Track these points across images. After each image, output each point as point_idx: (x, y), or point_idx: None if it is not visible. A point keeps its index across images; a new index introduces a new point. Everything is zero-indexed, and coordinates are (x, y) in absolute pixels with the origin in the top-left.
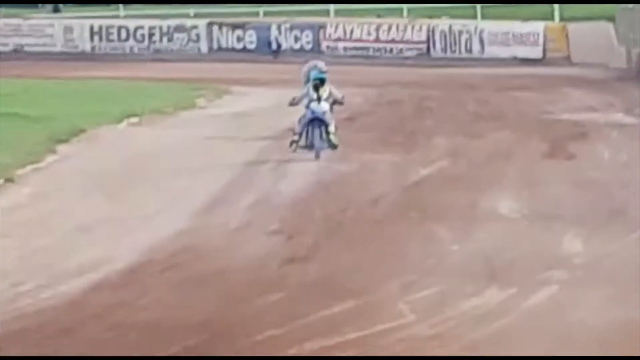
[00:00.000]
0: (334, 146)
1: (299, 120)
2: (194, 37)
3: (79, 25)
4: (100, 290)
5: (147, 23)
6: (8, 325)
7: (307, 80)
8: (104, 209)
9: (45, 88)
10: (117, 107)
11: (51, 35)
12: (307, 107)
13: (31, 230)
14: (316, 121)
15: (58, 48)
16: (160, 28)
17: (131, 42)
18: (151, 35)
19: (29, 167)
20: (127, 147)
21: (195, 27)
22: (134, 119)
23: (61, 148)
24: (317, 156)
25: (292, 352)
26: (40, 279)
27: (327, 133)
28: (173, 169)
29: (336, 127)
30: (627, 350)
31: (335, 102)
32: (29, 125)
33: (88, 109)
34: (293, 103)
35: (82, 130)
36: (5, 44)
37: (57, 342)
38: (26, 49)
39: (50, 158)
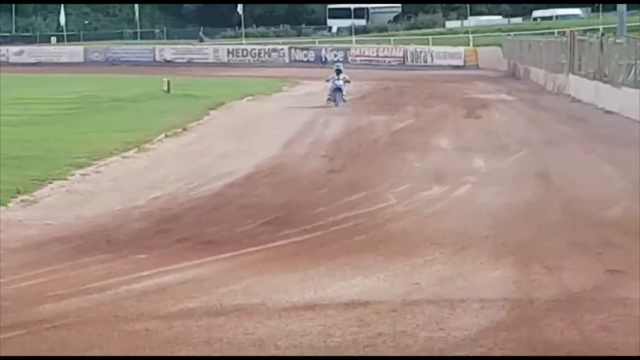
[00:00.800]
0: (344, 100)
1: (330, 89)
2: (282, 54)
3: (221, 48)
4: (233, 187)
5: (257, 47)
6: (185, 204)
7: (334, 71)
8: (234, 144)
9: (204, 81)
10: (241, 90)
11: (206, 53)
12: (333, 82)
13: (196, 155)
14: (337, 89)
15: (210, 60)
16: (264, 49)
17: (248, 57)
18: (259, 53)
19: (195, 122)
20: (246, 112)
21: (282, 49)
22: (249, 97)
23: (212, 112)
24: (337, 105)
25: (333, 219)
26: (202, 181)
27: (342, 95)
28: (270, 124)
29: (346, 93)
30: (506, 217)
31: (346, 81)
32: (195, 100)
33: (226, 92)
34: (328, 79)
35: (223, 103)
36: (182, 58)
37: (210, 215)
38: (195, 60)
39: (206, 118)
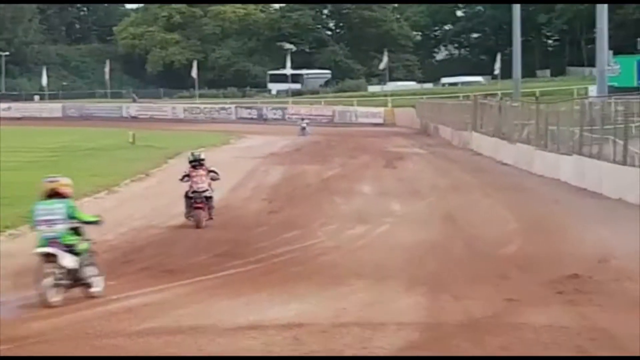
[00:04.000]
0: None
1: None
2: (229, 112)
3: (178, 106)
4: (187, 224)
5: (208, 105)
6: (148, 239)
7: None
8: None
9: (163, 134)
10: (195, 142)
11: (165, 110)
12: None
13: (157, 197)
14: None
15: (169, 116)
16: (214, 108)
17: (201, 114)
18: (210, 110)
19: (156, 169)
20: None
21: (230, 107)
22: (202, 148)
23: (170, 161)
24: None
25: (273, 252)
26: (162, 219)
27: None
28: (219, 171)
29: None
30: (418, 252)
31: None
32: (156, 151)
33: (182, 143)
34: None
35: (180, 153)
36: (145, 114)
37: (169, 248)
38: (156, 116)
39: (165, 165)
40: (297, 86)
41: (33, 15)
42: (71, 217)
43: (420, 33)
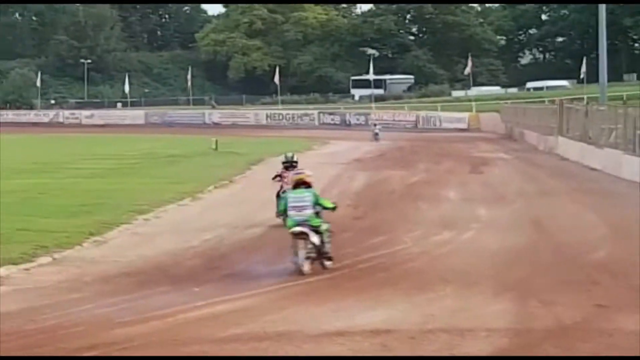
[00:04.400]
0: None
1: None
2: (312, 118)
3: (260, 112)
4: (272, 230)
5: (291, 111)
6: (232, 245)
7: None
8: (273, 194)
9: (246, 141)
10: (278, 149)
11: (248, 117)
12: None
13: (241, 203)
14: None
15: (252, 122)
16: (297, 114)
17: (284, 120)
18: (293, 116)
19: (239, 175)
20: (281, 166)
21: (312, 113)
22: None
23: (253, 167)
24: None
25: (359, 258)
26: (246, 225)
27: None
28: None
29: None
30: (506, 258)
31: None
32: (239, 157)
33: (265, 150)
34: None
35: (262, 159)
36: (227, 121)
37: (253, 254)
38: (238, 123)
39: (248, 172)
40: (380, 91)
41: (115, 23)
42: (316, 203)
43: (504, 37)
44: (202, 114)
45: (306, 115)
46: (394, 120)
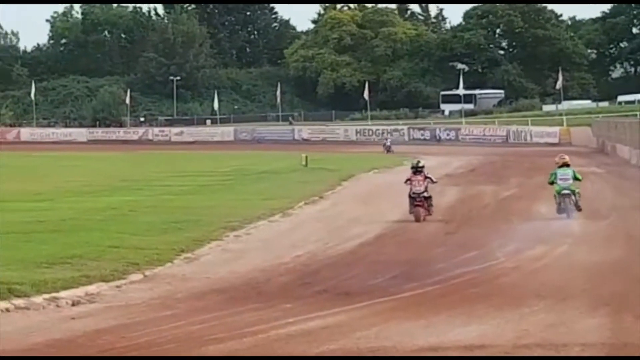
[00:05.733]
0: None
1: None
2: (402, 133)
3: (350, 128)
4: (364, 246)
5: (380, 127)
6: (324, 261)
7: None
8: (364, 209)
9: (336, 156)
10: (368, 164)
11: (337, 133)
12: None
13: (331, 219)
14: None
15: (341, 138)
16: (387, 129)
17: (373, 136)
18: (383, 132)
19: (329, 191)
20: (373, 182)
21: (402, 129)
22: (375, 170)
23: (344, 183)
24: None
25: (451, 274)
26: (337, 241)
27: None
28: (394, 193)
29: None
30: (600, 272)
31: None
32: (329, 173)
33: (355, 165)
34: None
35: (353, 175)
36: (317, 137)
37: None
38: (328, 139)
39: (338, 187)
40: (470, 106)
41: (204, 40)
42: (574, 178)
43: (595, 51)
44: (291, 130)
45: (396, 130)
46: (484, 135)
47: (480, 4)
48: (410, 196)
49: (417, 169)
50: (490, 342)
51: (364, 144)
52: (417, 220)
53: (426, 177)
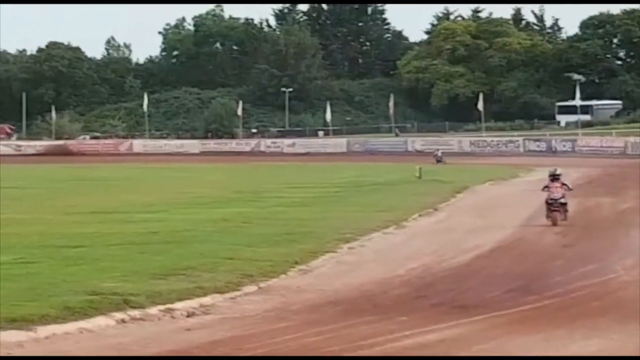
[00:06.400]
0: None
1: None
2: (517, 145)
3: (464, 139)
4: (479, 259)
5: (495, 138)
6: (439, 274)
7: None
8: (479, 222)
9: (450, 168)
10: (482, 176)
11: (451, 144)
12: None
13: (446, 231)
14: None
15: (455, 150)
16: (501, 141)
17: (487, 147)
18: (497, 143)
19: (443, 203)
20: (487, 195)
21: (517, 140)
22: (490, 182)
23: (458, 195)
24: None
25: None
26: (452, 254)
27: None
28: (509, 205)
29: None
30: None
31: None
32: (443, 185)
33: (469, 177)
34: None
35: (467, 187)
36: (430, 149)
37: (460, 283)
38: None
39: (452, 199)
40: (587, 117)
41: (316, 51)
42: None
43: None
44: (404, 141)
45: (511, 142)
46: (601, 146)
47: (596, 14)
48: (547, 202)
49: (554, 177)
50: (612, 355)
51: (478, 155)
52: (554, 224)
53: (563, 184)
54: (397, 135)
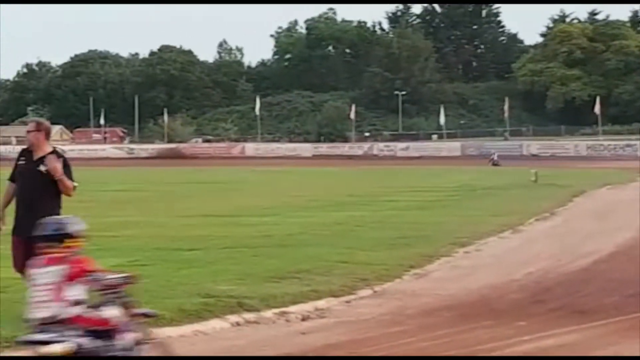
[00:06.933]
0: None
1: None
2: (635, 149)
3: (580, 143)
4: (598, 263)
5: (613, 142)
6: (557, 278)
7: None
8: (597, 226)
9: (566, 172)
10: (600, 180)
11: (567, 148)
12: None
13: (563, 236)
14: None
15: (571, 154)
16: (619, 144)
17: (605, 151)
18: (615, 147)
19: (560, 208)
20: (605, 199)
21: (635, 144)
22: (609, 186)
23: (575, 199)
24: None
25: None
26: (569, 258)
27: None
28: (628, 209)
29: None
30: None
31: None
32: (560, 189)
33: (587, 181)
34: None
35: (585, 191)
36: (546, 152)
37: (579, 288)
38: (557, 154)
39: (570, 204)
40: None
41: (429, 54)
42: None
43: None
44: (519, 145)
45: (629, 145)
46: None
47: None
48: None
49: None
50: None
51: (595, 160)
52: None
53: None
54: (506, 139)
